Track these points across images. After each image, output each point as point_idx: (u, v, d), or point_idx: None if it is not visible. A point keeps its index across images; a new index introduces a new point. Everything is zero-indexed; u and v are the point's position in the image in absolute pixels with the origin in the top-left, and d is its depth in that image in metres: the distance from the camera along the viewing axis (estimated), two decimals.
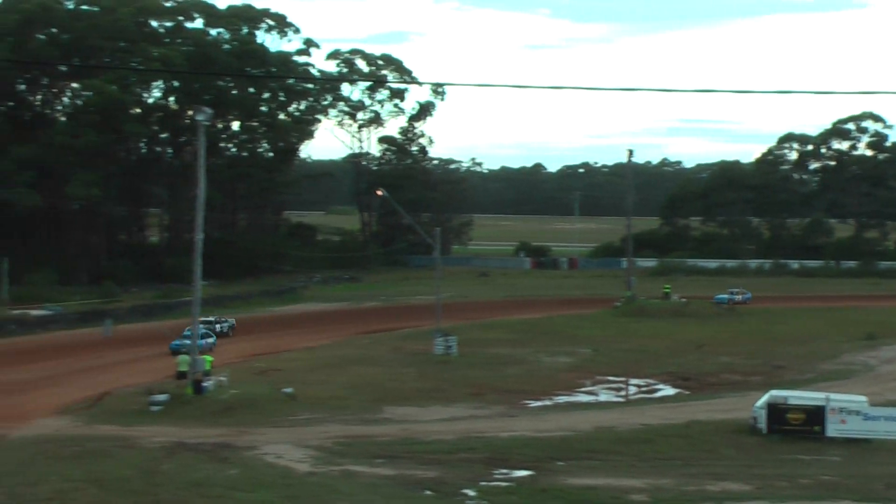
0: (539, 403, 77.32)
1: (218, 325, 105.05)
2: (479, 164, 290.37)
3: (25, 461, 57.25)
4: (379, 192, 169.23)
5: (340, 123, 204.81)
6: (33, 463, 56.75)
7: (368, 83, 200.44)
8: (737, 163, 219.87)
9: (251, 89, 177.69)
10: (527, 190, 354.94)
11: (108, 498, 49.97)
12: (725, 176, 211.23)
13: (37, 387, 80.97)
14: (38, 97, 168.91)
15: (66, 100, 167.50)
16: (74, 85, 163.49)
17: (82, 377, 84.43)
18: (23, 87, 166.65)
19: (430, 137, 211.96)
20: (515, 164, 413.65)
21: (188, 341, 79.88)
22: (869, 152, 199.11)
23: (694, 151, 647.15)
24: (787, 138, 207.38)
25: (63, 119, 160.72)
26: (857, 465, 57.97)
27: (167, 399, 72.20)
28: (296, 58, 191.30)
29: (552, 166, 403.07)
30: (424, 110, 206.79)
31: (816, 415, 63.73)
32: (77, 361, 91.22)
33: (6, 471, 55.29)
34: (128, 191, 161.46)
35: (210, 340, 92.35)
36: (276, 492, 51.16)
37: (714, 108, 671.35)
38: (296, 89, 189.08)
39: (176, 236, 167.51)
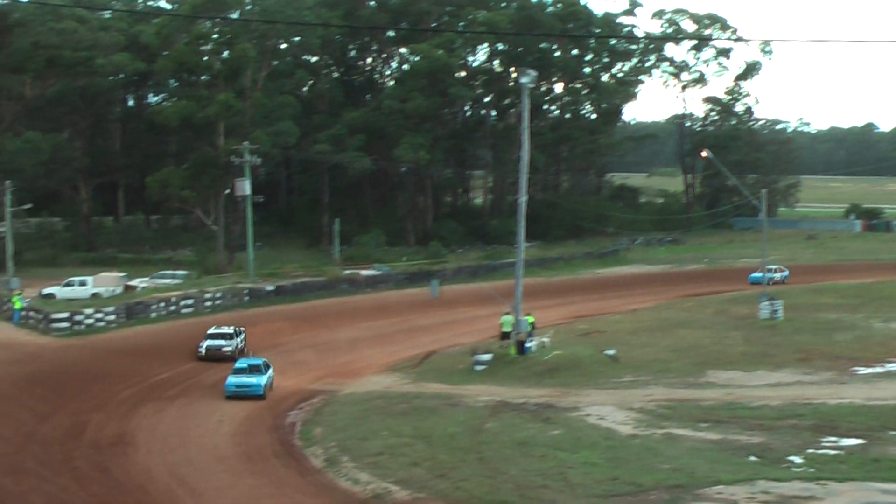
0: (870, 370, 75.62)
1: (238, 339, 79.87)
2: (807, 124, 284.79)
3: (357, 416, 58.87)
4: (703, 154, 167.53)
5: (664, 84, 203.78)
6: (365, 418, 58.28)
7: (693, 43, 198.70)
8: None
9: (574, 51, 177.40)
10: (858, 150, 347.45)
11: (436, 453, 50.94)
12: None
13: (367, 345, 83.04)
14: (368, 63, 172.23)
15: (394, 65, 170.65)
16: (402, 50, 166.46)
17: (409, 336, 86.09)
18: (353, 53, 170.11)
19: (755, 97, 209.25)
20: (846, 124, 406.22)
21: (245, 380, 64.84)
22: None
23: None
24: None
25: (391, 83, 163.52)
26: None
27: (490, 359, 73.13)
28: (620, 19, 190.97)
29: (886, 125, 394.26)
30: (750, 69, 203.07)
31: None
32: (404, 321, 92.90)
33: (339, 425, 56.98)
34: (453, 153, 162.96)
35: (269, 375, 67.01)
36: (599, 453, 51.34)
37: None
38: (619, 50, 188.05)
39: (500, 198, 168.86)
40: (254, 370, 66.14)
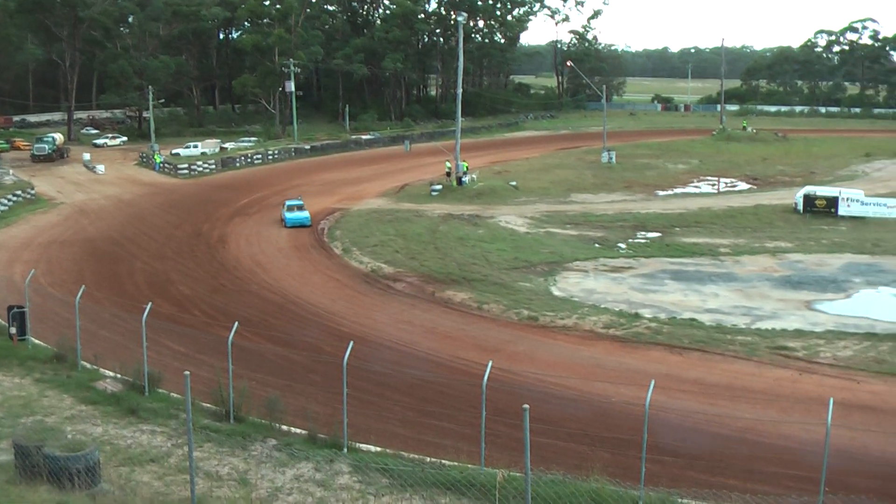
0: (665, 193, 76.18)
1: None
2: (629, 46, 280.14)
3: (361, 223, 59.00)
4: (568, 64, 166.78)
5: (545, 21, 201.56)
6: (366, 225, 58.42)
7: None
8: (789, 47, 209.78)
9: (490, 0, 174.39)
10: (659, 62, 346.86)
11: (409, 245, 51.37)
12: (783, 54, 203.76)
13: (366, 180, 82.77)
14: (365, 8, 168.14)
15: (381, 10, 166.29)
16: (386, 1, 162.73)
17: (392, 175, 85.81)
18: (355, 3, 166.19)
19: (599, 30, 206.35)
20: (651, 46, 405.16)
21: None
22: (869, 42, 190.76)
23: (758, 39, 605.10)
24: (819, 32, 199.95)
25: (379, 21, 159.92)
26: (856, 233, 56.73)
27: (441, 188, 73.19)
28: None
29: (675, 47, 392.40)
30: (596, 13, 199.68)
31: (833, 202, 62.99)
32: (389, 166, 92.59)
33: (350, 229, 57.16)
34: (418, 64, 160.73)
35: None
36: (508, 243, 51.99)
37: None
38: (517, 0, 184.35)
39: (446, 91, 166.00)
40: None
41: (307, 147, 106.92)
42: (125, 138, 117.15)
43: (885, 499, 17.97)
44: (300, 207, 59.79)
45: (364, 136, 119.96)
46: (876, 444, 23.75)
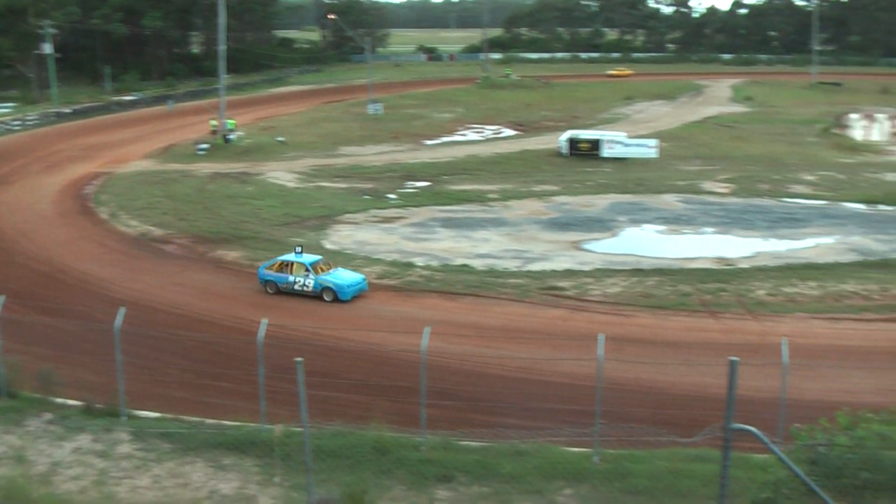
0: (433, 142, 77.53)
1: None
2: None
3: (128, 186, 57.30)
4: (331, 17, 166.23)
5: None
6: (132, 187, 56.78)
7: None
8: None
9: None
10: (423, 13, 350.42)
11: (178, 206, 50.34)
12: (543, 2, 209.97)
13: (131, 142, 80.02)
14: None
15: None
16: None
17: (157, 136, 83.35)
18: None
19: None
20: None
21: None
22: None
23: None
24: None
25: None
26: (620, 173, 59.64)
27: (208, 147, 71.94)
28: None
29: None
30: None
31: (596, 144, 65.71)
32: (153, 126, 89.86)
33: (117, 193, 55.41)
34: (179, 21, 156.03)
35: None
36: (277, 199, 51.80)
37: None
38: None
39: (209, 48, 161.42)
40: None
41: (68, 111, 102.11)
42: None
43: (657, 425, 19.18)
44: (329, 265, 34.76)
45: (127, 98, 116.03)
46: (647, 375, 25.28)
